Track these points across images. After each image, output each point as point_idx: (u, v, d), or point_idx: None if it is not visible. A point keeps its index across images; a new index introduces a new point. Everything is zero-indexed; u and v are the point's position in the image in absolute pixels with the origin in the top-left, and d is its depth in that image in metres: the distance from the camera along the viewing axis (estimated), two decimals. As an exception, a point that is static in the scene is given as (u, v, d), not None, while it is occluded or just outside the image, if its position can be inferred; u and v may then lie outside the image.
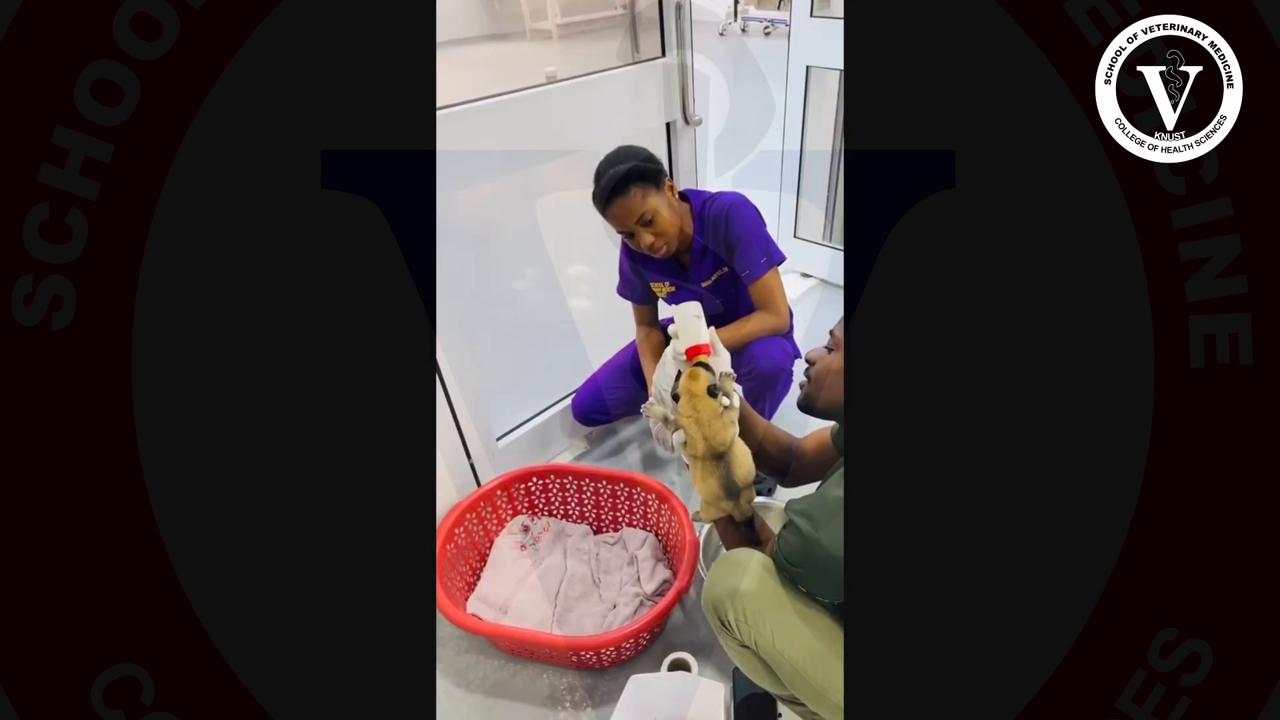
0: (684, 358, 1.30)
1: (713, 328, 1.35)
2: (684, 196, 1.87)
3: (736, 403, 1.28)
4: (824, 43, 2.62)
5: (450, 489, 1.95)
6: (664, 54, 2.03)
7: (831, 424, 1.40)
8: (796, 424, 1.54)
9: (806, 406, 1.24)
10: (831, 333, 1.22)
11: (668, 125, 2.17)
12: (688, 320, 1.31)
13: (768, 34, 8.77)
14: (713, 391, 1.22)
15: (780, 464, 1.51)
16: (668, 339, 1.35)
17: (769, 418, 1.88)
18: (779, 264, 1.85)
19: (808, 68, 2.69)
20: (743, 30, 9.21)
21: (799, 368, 1.51)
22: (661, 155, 2.16)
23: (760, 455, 1.45)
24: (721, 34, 9.06)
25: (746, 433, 1.41)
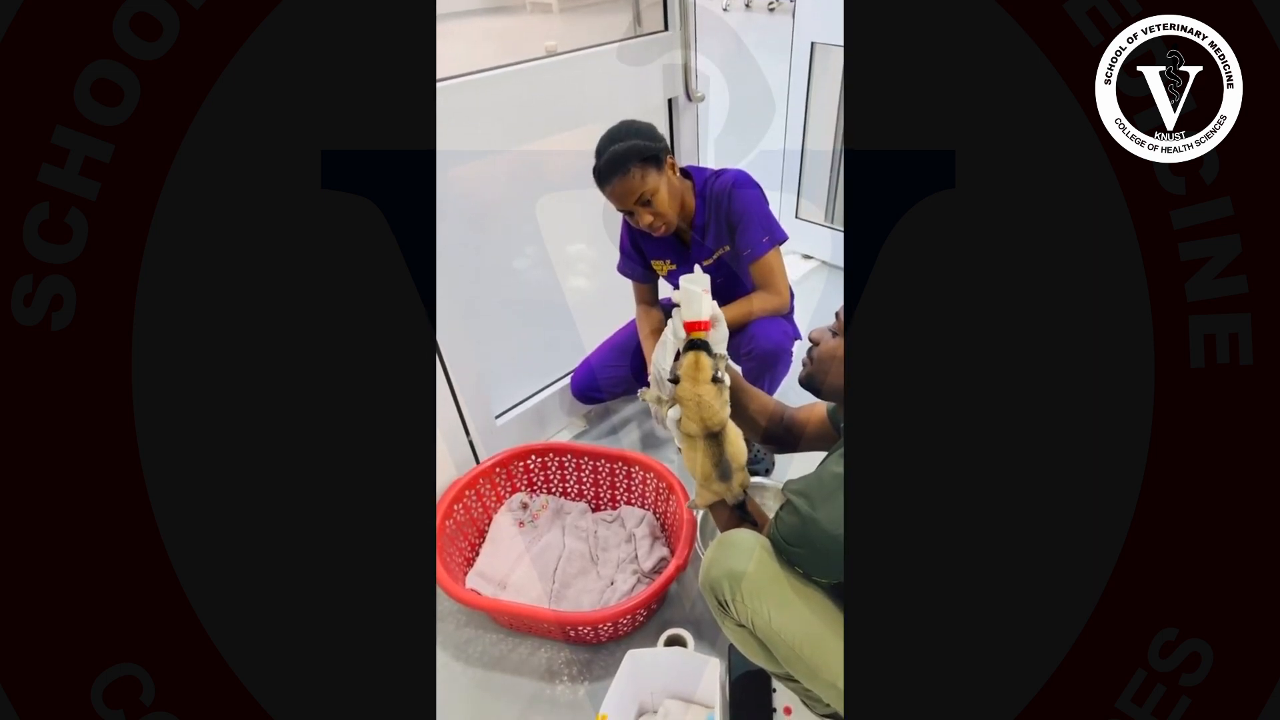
0: (683, 332, 1.28)
1: (715, 301, 1.32)
2: (686, 173, 1.84)
3: (729, 381, 1.28)
4: (829, 19, 2.59)
5: (450, 466, 1.96)
6: (666, 28, 2.01)
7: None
8: (796, 405, 1.54)
9: (811, 386, 1.25)
10: (838, 314, 1.22)
11: (669, 101, 2.15)
12: (691, 293, 1.28)
13: (772, 9, 8.68)
14: (716, 379, 1.22)
15: (773, 434, 1.52)
16: (668, 318, 1.33)
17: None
18: (781, 243, 1.83)
19: (812, 44, 2.67)
20: (746, 6, 9.12)
21: (799, 348, 1.50)
22: (663, 132, 2.14)
23: (753, 426, 1.47)
24: (725, 9, 8.97)
25: (739, 404, 1.42)
